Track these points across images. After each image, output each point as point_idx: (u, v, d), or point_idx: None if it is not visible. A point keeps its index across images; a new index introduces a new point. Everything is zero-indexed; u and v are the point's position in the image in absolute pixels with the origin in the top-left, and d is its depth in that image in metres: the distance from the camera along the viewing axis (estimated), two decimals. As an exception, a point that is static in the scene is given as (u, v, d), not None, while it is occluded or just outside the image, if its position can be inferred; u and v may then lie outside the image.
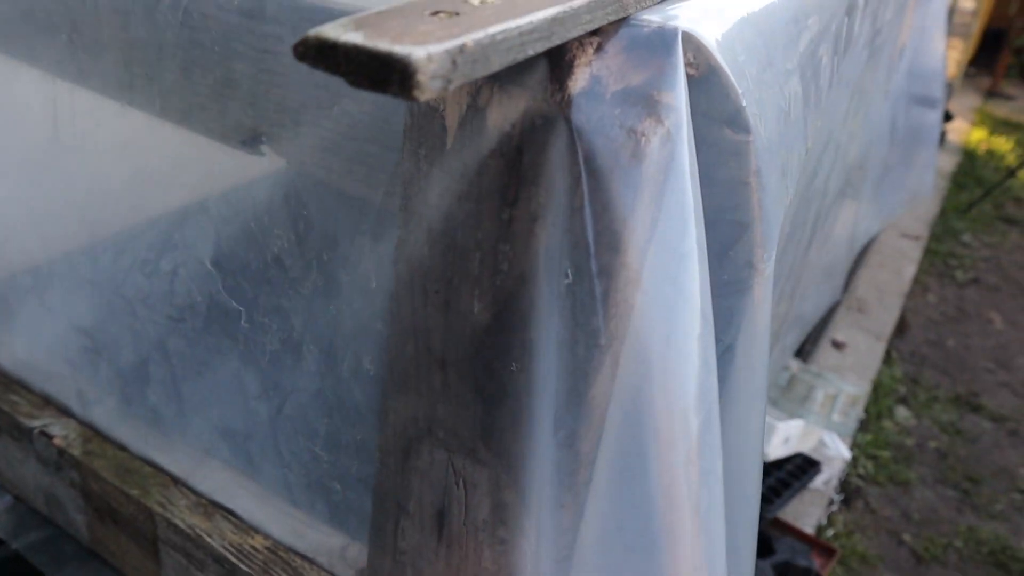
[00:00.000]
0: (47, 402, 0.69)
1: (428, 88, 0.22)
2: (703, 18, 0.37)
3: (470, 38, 0.23)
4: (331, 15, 0.40)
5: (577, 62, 0.33)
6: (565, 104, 0.33)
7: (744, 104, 0.37)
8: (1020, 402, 2.85)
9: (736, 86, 0.37)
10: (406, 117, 0.36)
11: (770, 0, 0.45)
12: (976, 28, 5.86)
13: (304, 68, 0.43)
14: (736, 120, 0.38)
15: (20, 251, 0.65)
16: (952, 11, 5.72)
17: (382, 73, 0.22)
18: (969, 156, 4.93)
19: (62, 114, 0.57)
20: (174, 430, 0.59)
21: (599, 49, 0.34)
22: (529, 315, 0.36)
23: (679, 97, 0.34)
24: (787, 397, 2.14)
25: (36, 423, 0.67)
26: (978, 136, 5.24)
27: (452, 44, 0.23)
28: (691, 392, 0.33)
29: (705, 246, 0.35)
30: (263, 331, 0.49)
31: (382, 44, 0.22)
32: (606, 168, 0.33)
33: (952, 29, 5.82)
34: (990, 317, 3.37)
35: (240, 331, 0.50)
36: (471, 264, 0.38)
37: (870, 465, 2.27)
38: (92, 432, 0.66)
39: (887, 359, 2.95)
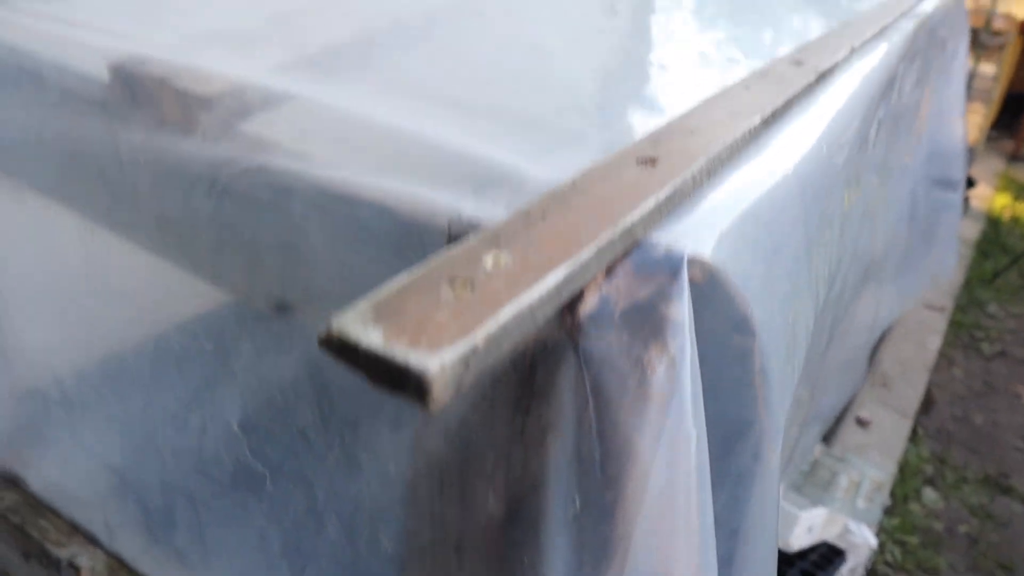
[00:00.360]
0: (75, 529, 0.71)
1: (440, 399, 0.24)
2: (709, 230, 0.39)
3: (482, 334, 0.25)
4: (354, 203, 0.42)
5: (588, 288, 0.35)
6: (574, 330, 0.35)
7: (750, 311, 0.39)
8: (1051, 482, 2.79)
9: (742, 293, 0.39)
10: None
11: (775, 182, 0.47)
12: (997, 93, 5.89)
13: (328, 252, 0.45)
14: (742, 326, 0.39)
15: (55, 384, 0.68)
16: (973, 76, 5.77)
17: (399, 381, 0.24)
18: (993, 223, 4.90)
19: (98, 254, 0.60)
20: (199, 571, 0.60)
21: (609, 273, 0.35)
22: (540, 518, 0.37)
23: (684, 318, 0.35)
24: (810, 483, 2.11)
25: (64, 552, 0.68)
26: (1002, 202, 5.22)
27: (465, 347, 0.24)
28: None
29: (707, 464, 0.36)
30: (287, 496, 0.51)
31: (399, 352, 0.24)
32: (613, 396, 0.34)
33: (973, 94, 5.86)
34: (1018, 392, 3.32)
35: (265, 492, 0.52)
36: (486, 463, 0.40)
37: (898, 551, 2.23)
38: (119, 564, 0.67)
39: (913, 436, 2.91)
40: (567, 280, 0.30)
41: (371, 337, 0.25)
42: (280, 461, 0.50)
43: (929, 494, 2.68)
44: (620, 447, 0.35)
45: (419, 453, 0.42)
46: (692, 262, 0.36)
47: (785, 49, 0.78)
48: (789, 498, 2.04)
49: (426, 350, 0.24)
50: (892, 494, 2.62)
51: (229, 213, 0.47)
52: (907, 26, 1.16)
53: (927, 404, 3.18)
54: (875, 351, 3.19)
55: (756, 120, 0.51)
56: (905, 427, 2.99)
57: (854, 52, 0.81)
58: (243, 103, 0.50)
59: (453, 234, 0.37)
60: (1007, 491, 2.70)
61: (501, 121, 0.48)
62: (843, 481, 2.14)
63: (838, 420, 2.88)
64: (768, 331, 0.42)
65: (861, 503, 2.12)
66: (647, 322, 0.35)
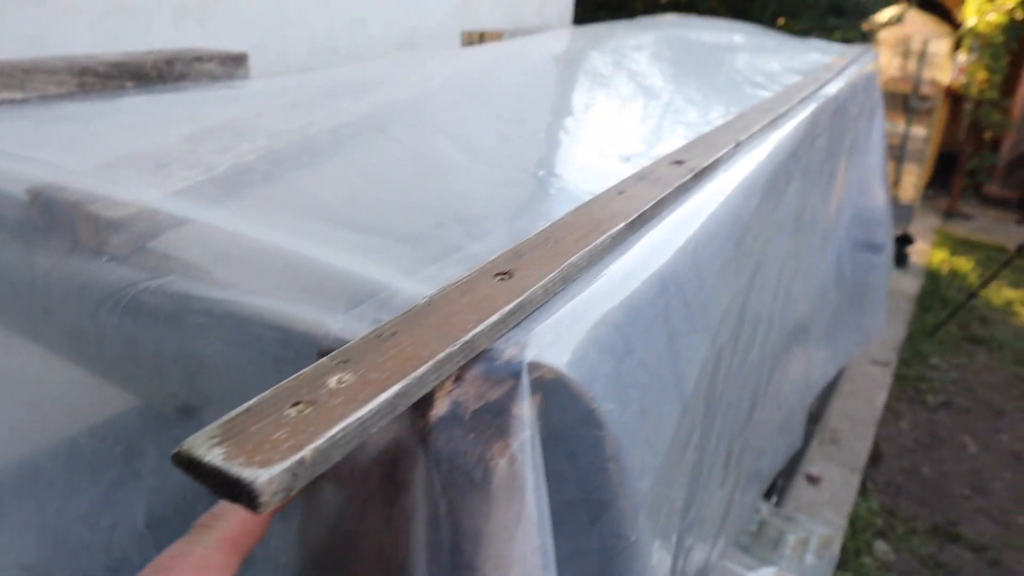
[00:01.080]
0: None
1: (270, 504, 0.28)
2: (555, 336, 0.44)
3: (310, 448, 0.30)
4: (243, 319, 0.47)
5: (437, 393, 0.40)
6: (425, 432, 0.39)
7: (595, 406, 0.44)
8: (999, 529, 2.85)
9: (586, 391, 0.44)
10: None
11: (632, 285, 0.53)
12: (930, 154, 6.15)
13: (223, 362, 0.49)
14: (589, 419, 0.44)
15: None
16: (905, 139, 6.00)
17: (235, 492, 0.28)
18: (932, 277, 5.07)
19: (13, 363, 0.64)
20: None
21: (458, 379, 0.40)
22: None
23: (524, 418, 0.40)
24: (758, 543, 2.15)
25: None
26: (940, 257, 5.41)
27: (293, 460, 0.29)
28: None
29: (552, 548, 0.40)
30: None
31: (234, 468, 0.28)
32: (461, 489, 0.39)
33: (907, 156, 6.10)
34: (963, 441, 3.40)
35: (172, 584, 0.55)
36: (363, 551, 0.44)
37: (849, 607, 2.26)
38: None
39: (863, 491, 2.96)
40: (401, 395, 0.35)
41: (212, 456, 0.29)
42: (186, 556, 0.54)
43: (880, 546, 2.72)
44: (469, 533, 0.39)
45: (305, 544, 0.46)
46: (533, 367, 0.41)
47: (678, 146, 0.85)
48: (737, 559, 2.07)
49: (257, 466, 0.29)
50: (844, 548, 2.65)
51: (134, 327, 0.51)
52: (807, 110, 1.25)
53: (876, 458, 3.25)
54: (821, 409, 3.26)
55: (620, 225, 0.57)
56: (855, 482, 3.04)
57: (740, 145, 0.88)
58: (151, 225, 0.55)
59: (323, 349, 0.42)
60: (956, 539, 2.76)
61: (382, 237, 0.53)
62: (791, 540, 2.18)
63: (788, 478, 2.93)
64: (619, 421, 0.47)
65: (810, 559, 2.16)
66: (491, 423, 0.40)
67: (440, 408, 0.40)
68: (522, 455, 0.39)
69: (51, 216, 0.58)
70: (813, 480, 3.01)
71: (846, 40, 3.95)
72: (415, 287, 0.47)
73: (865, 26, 4.37)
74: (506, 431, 0.40)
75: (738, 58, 1.56)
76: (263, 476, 0.28)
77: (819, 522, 2.49)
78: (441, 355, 0.37)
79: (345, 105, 0.81)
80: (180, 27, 1.62)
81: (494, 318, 0.41)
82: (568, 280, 0.49)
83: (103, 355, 0.54)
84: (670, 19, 2.28)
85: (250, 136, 0.70)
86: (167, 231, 0.54)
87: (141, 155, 0.67)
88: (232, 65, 1.02)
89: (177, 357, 0.51)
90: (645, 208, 0.61)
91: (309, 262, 0.48)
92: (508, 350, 0.41)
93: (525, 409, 0.40)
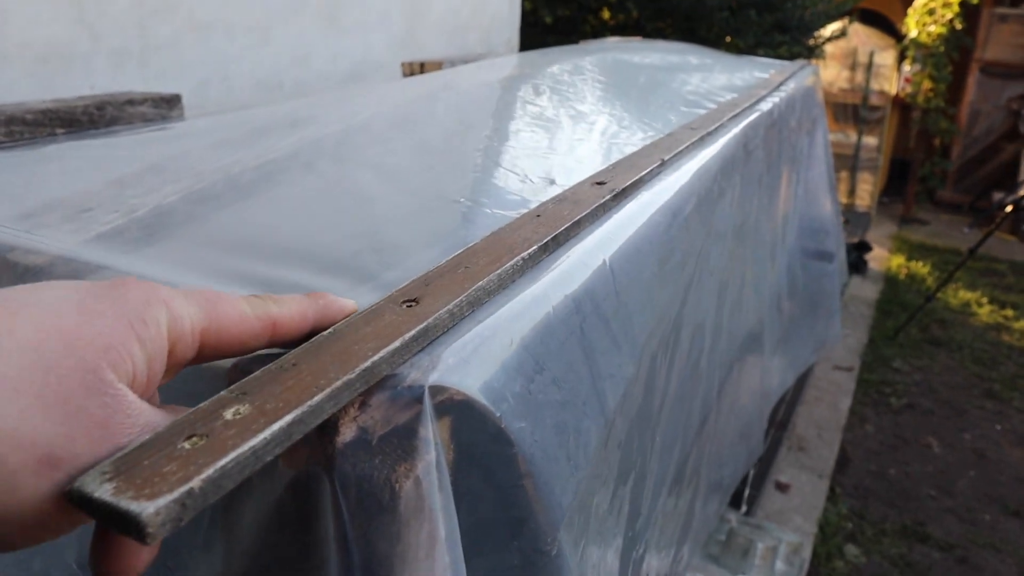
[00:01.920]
0: None
1: (159, 534, 0.29)
2: (457, 360, 0.45)
3: (199, 479, 0.31)
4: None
5: (343, 420, 0.41)
6: (331, 457, 0.40)
7: (503, 425, 0.45)
8: (965, 527, 2.89)
9: (492, 412, 0.45)
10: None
11: (542, 307, 0.54)
12: (882, 161, 6.28)
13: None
14: (498, 438, 0.46)
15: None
16: (858, 149, 6.13)
17: (124, 525, 0.29)
18: (891, 283, 5.16)
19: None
20: None
21: (363, 405, 0.41)
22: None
23: (428, 439, 0.41)
24: (728, 552, 2.16)
25: None
26: (897, 262, 5.51)
27: (181, 491, 0.30)
28: None
29: (463, 566, 0.41)
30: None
31: (123, 502, 0.29)
32: (367, 513, 0.40)
33: (861, 165, 6.22)
34: (928, 442, 3.46)
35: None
36: (282, 574, 0.45)
37: (821, 612, 2.28)
38: None
39: (832, 496, 2.99)
40: (296, 423, 0.36)
41: (102, 491, 0.30)
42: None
43: (851, 550, 2.75)
44: (380, 555, 0.40)
45: (228, 568, 0.47)
46: (435, 390, 0.43)
47: (607, 164, 0.87)
48: (707, 569, 2.08)
49: (146, 499, 0.30)
50: (815, 553, 2.68)
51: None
52: (738, 126, 1.28)
53: (843, 462, 3.29)
54: (787, 417, 3.29)
55: (532, 248, 0.59)
56: (823, 487, 3.08)
57: (664, 164, 0.91)
58: (69, 272, 0.56)
59: (231, 381, 0.43)
60: (924, 539, 2.79)
61: (303, 269, 0.54)
62: (759, 548, 2.20)
63: (758, 487, 2.95)
64: (531, 438, 0.48)
65: (780, 566, 2.18)
66: (397, 446, 0.41)
67: (346, 434, 0.41)
68: (428, 476, 0.41)
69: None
70: (782, 488, 3.04)
71: (792, 55, 4.04)
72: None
73: (811, 41, 4.47)
74: (411, 453, 0.41)
75: (675, 78, 1.60)
76: (150, 508, 0.29)
77: (787, 529, 2.51)
78: (338, 383, 0.38)
79: (272, 142, 0.82)
80: (121, 70, 1.63)
81: (395, 344, 0.43)
82: (476, 304, 0.51)
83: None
84: (611, 42, 2.33)
85: (174, 177, 0.71)
86: (85, 276, 0.55)
87: (63, 201, 0.67)
88: (166, 107, 1.03)
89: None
90: (560, 230, 0.63)
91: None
92: (411, 375, 0.43)
93: (429, 431, 0.41)
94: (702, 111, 1.38)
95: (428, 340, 0.46)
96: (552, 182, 0.81)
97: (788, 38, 4.13)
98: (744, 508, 2.63)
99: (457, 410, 0.44)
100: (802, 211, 2.19)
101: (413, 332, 0.44)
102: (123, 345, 0.33)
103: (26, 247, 0.58)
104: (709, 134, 1.14)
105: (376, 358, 0.41)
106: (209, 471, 0.31)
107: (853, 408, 3.69)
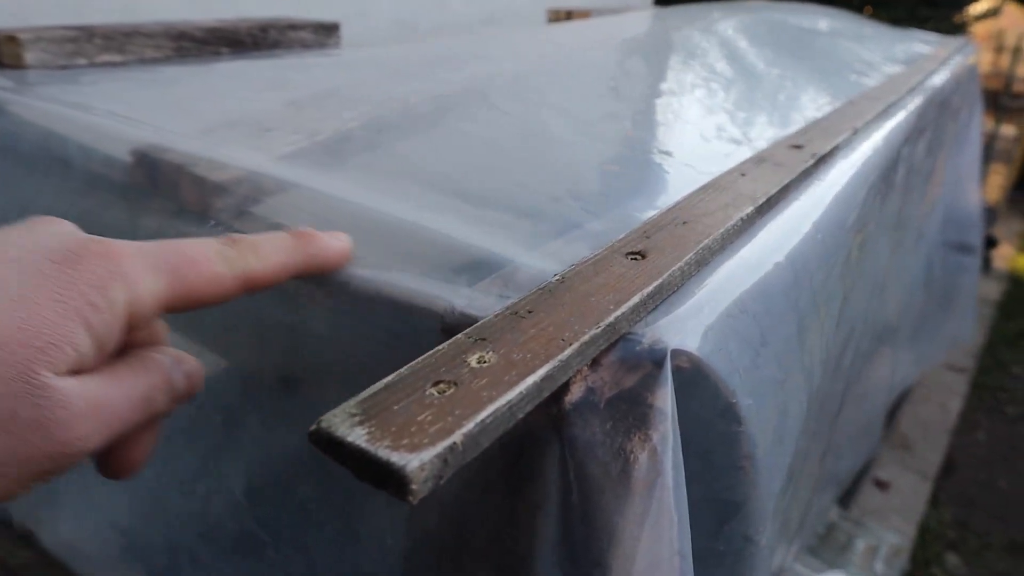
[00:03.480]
0: (84, 590, 0.72)
1: (420, 492, 0.25)
2: (695, 322, 0.40)
3: (461, 434, 0.27)
4: (354, 292, 0.44)
5: (573, 378, 0.37)
6: (560, 419, 0.36)
7: (735, 400, 0.41)
8: (1079, 550, 2.72)
9: (726, 384, 0.40)
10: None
11: (766, 272, 0.49)
12: (1018, 154, 5.89)
13: (330, 334, 0.47)
14: (728, 414, 0.41)
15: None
16: (994, 138, 5.77)
17: (381, 477, 0.26)
18: (1017, 283, 4.87)
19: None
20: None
21: (594, 364, 0.37)
22: (530, 598, 0.39)
23: (667, 409, 0.37)
24: (826, 546, 2.08)
25: (72, 612, 0.70)
26: (1025, 262, 5.19)
27: (444, 445, 0.26)
28: None
29: (690, 545, 0.37)
30: (287, 562, 0.52)
31: (382, 451, 0.26)
32: (596, 481, 0.36)
33: (995, 155, 5.86)
34: (1044, 456, 3.26)
35: (267, 557, 0.53)
36: (479, 540, 0.41)
37: (919, 619, 2.18)
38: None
39: (934, 501, 2.86)
40: (547, 379, 0.32)
41: (356, 435, 0.26)
42: (282, 529, 0.52)
43: (952, 559, 2.62)
44: (603, 529, 0.36)
45: (414, 527, 0.43)
46: (676, 354, 0.38)
47: (790, 130, 0.80)
48: (805, 561, 2.01)
49: (406, 450, 0.26)
50: (913, 558, 2.56)
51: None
52: (915, 101, 1.18)
53: (949, 467, 3.13)
54: (892, 413, 3.15)
55: (749, 209, 0.53)
56: (926, 491, 2.94)
57: (857, 133, 0.83)
58: (255, 189, 0.53)
59: (447, 325, 0.39)
60: (1033, 559, 2.64)
61: (499, 210, 0.50)
62: (860, 546, 2.11)
63: (856, 482, 2.83)
64: (756, 417, 0.43)
65: (880, 567, 2.08)
66: (630, 412, 0.36)
67: (575, 394, 0.37)
68: (663, 448, 0.36)
69: (154, 178, 0.57)
70: (882, 486, 2.92)
71: (937, 32, 3.79)
72: (540, 263, 0.43)
73: (957, 18, 4.19)
74: (646, 422, 0.36)
75: (839, 45, 1.50)
76: (414, 462, 0.25)
77: (889, 529, 2.41)
78: (585, 337, 0.34)
79: (445, 75, 0.78)
80: (267, 3, 1.62)
81: (634, 300, 0.38)
82: (702, 264, 0.46)
83: (203, 322, 0.53)
84: (760, 3, 2.21)
85: (351, 103, 0.68)
86: (272, 196, 0.52)
87: (242, 120, 0.65)
88: (324, 34, 1.00)
89: (281, 327, 0.49)
90: (773, 191, 0.57)
91: (423, 232, 0.46)
92: (648, 335, 0.38)
93: (668, 399, 0.37)
94: (871, 81, 1.28)
95: (660, 299, 0.41)
96: (739, 141, 0.75)
97: (935, 12, 3.88)
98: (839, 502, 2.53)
99: (688, 379, 0.39)
100: (950, 198, 2.05)
101: (649, 288, 0.39)
102: (65, 339, 0.29)
103: (212, 161, 0.55)
104: (890, 106, 1.04)
105: (618, 313, 0.37)
106: (469, 425, 0.28)
107: (964, 412, 3.50)
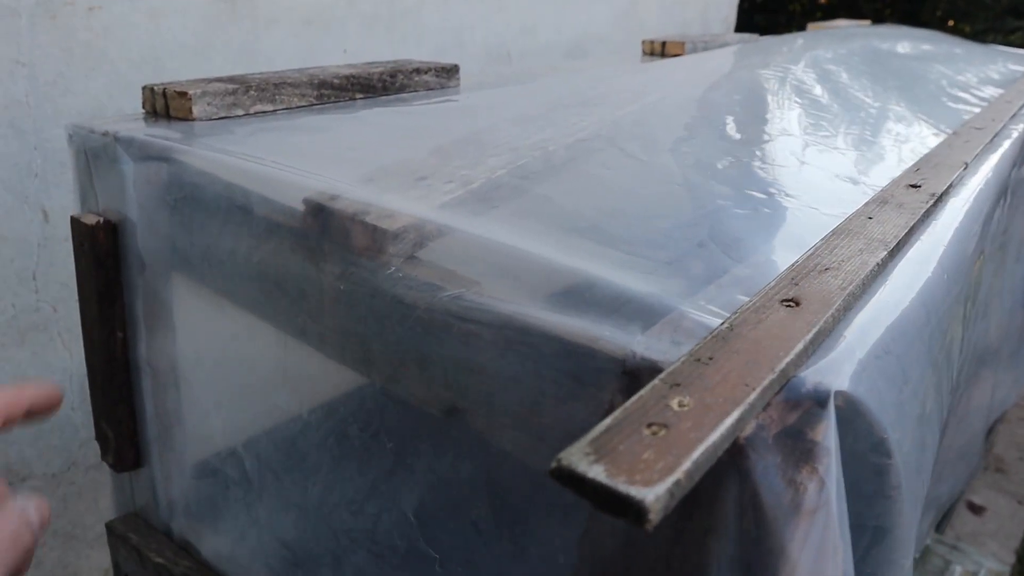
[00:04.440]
0: (245, 597, 0.79)
1: (655, 521, 0.30)
2: (849, 364, 0.44)
3: (682, 471, 0.32)
4: (525, 331, 0.50)
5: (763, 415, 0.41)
6: (736, 452, 0.41)
7: (886, 436, 0.44)
8: None
9: (878, 420, 0.44)
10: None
11: (902, 312, 0.52)
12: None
13: (497, 367, 0.52)
14: (879, 448, 0.45)
15: (235, 464, 0.77)
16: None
17: (621, 508, 0.30)
18: (1112, 301, 4.68)
19: (288, 359, 0.70)
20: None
21: (766, 406, 0.41)
22: (701, 614, 0.43)
23: (831, 444, 0.41)
24: (921, 571, 2.05)
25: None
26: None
27: (671, 481, 0.31)
28: None
29: (852, 570, 0.41)
30: (454, 577, 0.58)
31: (621, 485, 0.31)
32: (769, 509, 0.40)
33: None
34: None
35: (434, 573, 0.59)
36: (648, 559, 0.46)
37: (1018, 648, 2.13)
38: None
39: (1031, 525, 2.78)
40: (740, 420, 0.36)
41: (595, 472, 0.31)
42: (451, 547, 0.57)
43: (1050, 588, 2.54)
44: (773, 553, 0.40)
45: (586, 547, 0.48)
46: (838, 395, 0.42)
47: (901, 167, 0.83)
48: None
49: (641, 485, 0.31)
50: (1011, 586, 2.50)
51: (409, 332, 0.55)
52: (1020, 127, 1.19)
53: (1046, 492, 3.03)
54: (989, 434, 3.08)
55: (883, 254, 0.57)
56: (1023, 515, 2.86)
57: (967, 168, 0.86)
58: (422, 235, 0.59)
59: (628, 368, 0.44)
60: None
61: (649, 257, 0.55)
62: (958, 571, 2.07)
63: (950, 508, 2.78)
64: (901, 450, 0.47)
65: (977, 595, 2.05)
66: (798, 447, 0.41)
67: (749, 429, 0.41)
68: (828, 480, 0.40)
69: (327, 225, 0.63)
70: (976, 510, 2.85)
71: (1024, 44, 3.70)
72: (703, 309, 0.48)
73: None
74: (814, 456, 0.41)
75: (932, 69, 1.50)
76: (650, 496, 0.30)
77: (987, 552, 2.36)
78: (765, 383, 0.39)
79: (572, 120, 0.83)
80: (370, 34, 1.71)
81: (799, 347, 0.42)
82: (849, 309, 0.50)
83: (377, 358, 0.59)
84: (845, 27, 2.21)
85: (494, 151, 0.74)
86: (438, 241, 0.58)
87: (397, 167, 0.71)
88: (445, 76, 1.07)
89: (449, 360, 0.54)
90: (901, 234, 0.61)
91: (586, 277, 0.51)
92: (811, 378, 0.42)
93: (832, 436, 0.41)
94: (969, 107, 1.28)
95: (819, 344, 0.45)
96: (855, 181, 0.78)
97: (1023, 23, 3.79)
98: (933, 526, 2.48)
99: (847, 417, 0.43)
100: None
101: (810, 336, 0.44)
102: None
103: (381, 209, 0.61)
104: (996, 135, 1.06)
105: (788, 360, 0.41)
106: (687, 464, 0.32)
107: (1060, 433, 3.39)
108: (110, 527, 0.91)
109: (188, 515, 0.86)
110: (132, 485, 0.91)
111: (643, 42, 1.61)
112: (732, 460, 0.41)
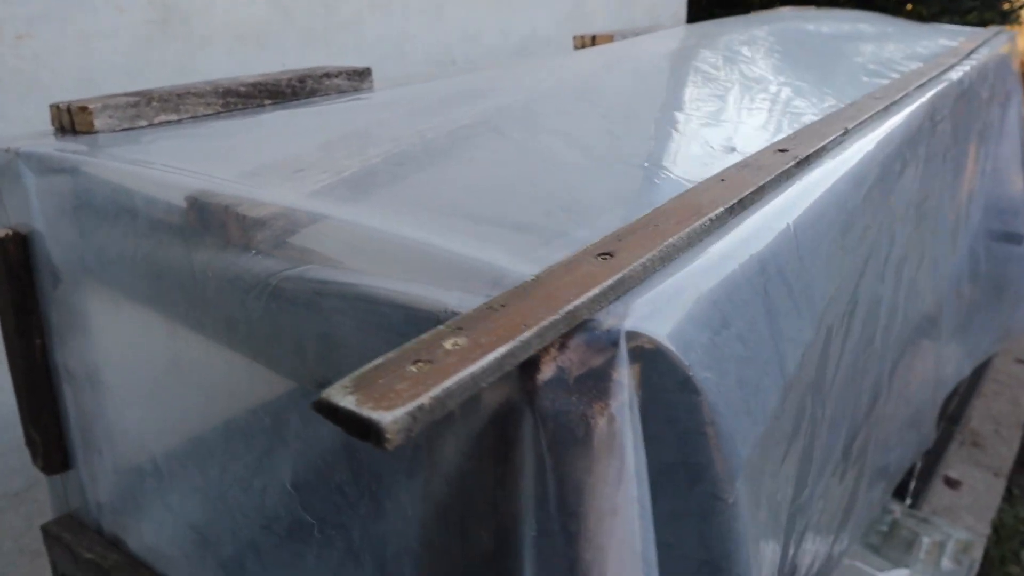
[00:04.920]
0: (166, 587, 0.82)
1: (394, 441, 0.33)
2: (651, 309, 0.47)
3: (428, 396, 0.35)
4: (374, 301, 0.53)
5: (543, 359, 0.44)
6: (533, 393, 0.44)
7: (691, 373, 0.47)
8: None
9: (682, 359, 0.47)
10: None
11: (729, 265, 0.55)
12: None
13: (355, 339, 0.55)
14: (686, 385, 0.47)
15: (150, 460, 0.80)
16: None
17: (364, 431, 0.33)
18: (1089, 272, 4.71)
19: (180, 351, 0.73)
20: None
21: (562, 347, 0.44)
22: (517, 550, 0.46)
23: (623, 381, 0.44)
24: (889, 544, 2.08)
25: (157, 606, 0.79)
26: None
27: (413, 405, 0.34)
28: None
29: (649, 501, 0.44)
30: (331, 542, 0.60)
31: (364, 411, 0.34)
32: (564, 445, 0.43)
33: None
34: (1125, 447, 3.16)
35: (314, 539, 0.62)
36: (478, 505, 0.49)
37: (992, 615, 2.15)
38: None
39: (1008, 497, 2.80)
40: (508, 356, 0.39)
41: (347, 402, 0.34)
42: (324, 512, 0.60)
43: (1027, 556, 2.57)
44: (570, 487, 0.43)
45: (428, 498, 0.51)
46: (632, 335, 0.45)
47: (783, 135, 0.86)
48: (867, 559, 2.01)
49: (383, 409, 0.34)
50: (987, 556, 2.52)
51: (278, 311, 0.58)
52: (923, 97, 1.22)
53: (1022, 463, 3.06)
54: (961, 410, 3.10)
55: (719, 210, 0.60)
56: (999, 487, 2.88)
57: (848, 133, 0.89)
58: (290, 223, 0.62)
59: (442, 323, 0.47)
60: (1114, 552, 2.57)
61: (500, 226, 0.58)
62: (925, 542, 2.10)
63: (925, 481, 2.80)
64: (716, 389, 0.50)
65: (947, 564, 2.07)
66: (591, 386, 0.44)
67: (546, 372, 0.44)
68: (621, 416, 0.43)
69: (205, 219, 0.67)
70: (952, 484, 2.87)
71: (983, 22, 3.75)
72: (524, 268, 0.51)
73: (1006, 5, 4.12)
74: (606, 393, 0.44)
75: (855, 47, 1.54)
76: (388, 418, 0.33)
77: (957, 527, 2.38)
78: (544, 323, 0.41)
79: (462, 110, 0.86)
80: (309, 47, 1.74)
81: (594, 291, 0.45)
82: (667, 260, 0.53)
83: (253, 339, 0.62)
84: (785, 12, 2.25)
85: (375, 142, 0.77)
86: (304, 227, 0.61)
87: (279, 163, 0.74)
88: (357, 79, 1.10)
89: (315, 337, 0.57)
90: (745, 193, 0.64)
91: (428, 249, 0.54)
92: (608, 321, 0.45)
93: (624, 374, 0.44)
94: (885, 81, 1.32)
95: (623, 290, 0.48)
96: (732, 149, 0.81)
97: (978, 3, 3.84)
98: (908, 500, 2.51)
99: (650, 357, 0.46)
100: (990, 189, 2.05)
101: (610, 282, 0.47)
102: None
103: (252, 200, 0.64)
104: (894, 104, 1.09)
105: (577, 303, 0.44)
106: (436, 391, 0.35)
107: (1037, 405, 3.41)
108: (45, 529, 0.93)
109: (114, 512, 0.89)
110: (65, 487, 0.94)
111: (574, 37, 1.65)
112: (529, 402, 0.44)
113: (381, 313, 0.52)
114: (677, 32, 1.54)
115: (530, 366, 0.44)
